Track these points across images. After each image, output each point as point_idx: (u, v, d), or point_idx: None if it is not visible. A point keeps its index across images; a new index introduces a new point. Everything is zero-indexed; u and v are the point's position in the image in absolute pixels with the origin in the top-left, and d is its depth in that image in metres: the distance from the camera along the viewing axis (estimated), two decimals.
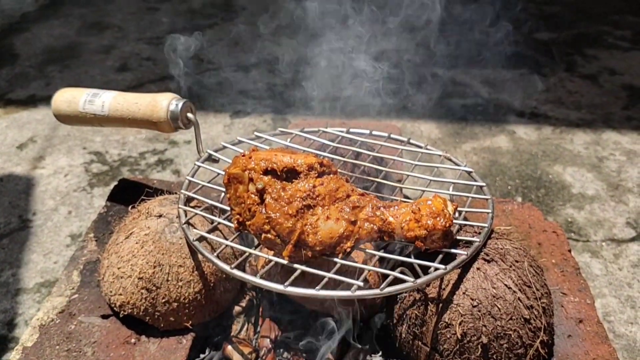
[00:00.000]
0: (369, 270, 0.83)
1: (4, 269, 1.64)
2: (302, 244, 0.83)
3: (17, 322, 1.48)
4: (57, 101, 1.17)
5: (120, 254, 0.98)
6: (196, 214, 0.97)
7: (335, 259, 0.84)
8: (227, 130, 2.31)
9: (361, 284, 0.78)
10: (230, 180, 0.88)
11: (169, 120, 1.08)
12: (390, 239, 0.85)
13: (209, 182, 1.05)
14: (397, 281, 0.80)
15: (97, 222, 1.22)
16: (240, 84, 2.57)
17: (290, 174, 0.86)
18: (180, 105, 1.08)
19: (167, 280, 0.95)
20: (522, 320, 0.85)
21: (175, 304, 0.95)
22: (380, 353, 0.97)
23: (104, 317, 1.00)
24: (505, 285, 0.86)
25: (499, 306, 0.85)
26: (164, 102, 1.08)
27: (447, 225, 0.82)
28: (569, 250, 1.14)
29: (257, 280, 0.82)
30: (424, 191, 1.03)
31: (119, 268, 0.97)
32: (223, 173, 0.91)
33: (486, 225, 0.91)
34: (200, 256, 0.96)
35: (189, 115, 1.09)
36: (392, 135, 1.18)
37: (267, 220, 0.83)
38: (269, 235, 0.83)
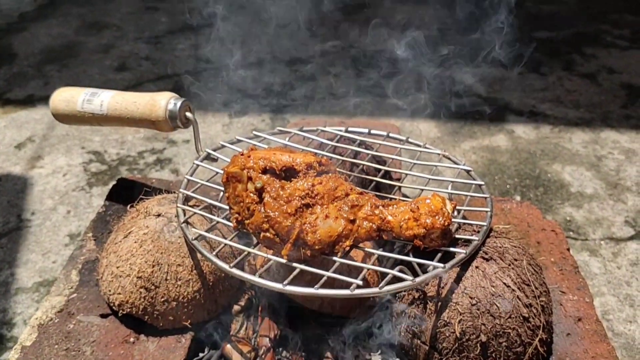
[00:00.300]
0: (368, 269, 0.83)
1: (2, 268, 1.64)
2: (301, 243, 0.83)
3: (15, 322, 1.48)
4: (56, 100, 1.17)
5: (119, 253, 0.98)
6: (195, 213, 0.97)
7: (334, 258, 0.83)
8: (226, 130, 2.31)
9: (360, 282, 0.78)
10: (229, 179, 0.88)
11: (168, 119, 1.08)
12: (389, 237, 0.85)
13: (207, 181, 1.05)
14: (396, 280, 0.80)
15: (95, 221, 1.22)
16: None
17: (289, 173, 0.86)
18: (178, 104, 1.08)
19: (166, 280, 0.95)
20: (521, 318, 0.85)
21: (174, 303, 0.95)
22: (379, 352, 0.97)
23: (103, 316, 1.00)
24: (504, 283, 0.86)
25: (498, 304, 0.85)
26: (163, 102, 1.08)
27: (446, 223, 0.82)
28: (568, 249, 1.14)
29: (256, 279, 0.82)
30: (422, 190, 1.03)
31: (117, 267, 0.97)
32: (222, 172, 0.91)
33: (485, 223, 0.91)
34: (199, 255, 0.96)
35: (188, 114, 1.09)
36: (390, 134, 1.18)
37: (266, 219, 0.83)
38: (267, 234, 0.83)
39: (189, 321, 0.97)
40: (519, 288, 0.86)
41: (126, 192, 1.27)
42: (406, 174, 1.09)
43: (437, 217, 0.82)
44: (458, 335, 0.85)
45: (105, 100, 1.12)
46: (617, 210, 1.86)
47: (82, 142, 2.23)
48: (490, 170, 2.05)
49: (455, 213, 0.93)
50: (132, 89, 2.55)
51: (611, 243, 1.73)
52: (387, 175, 1.12)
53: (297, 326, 1.02)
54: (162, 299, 0.95)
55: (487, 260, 0.89)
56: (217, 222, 0.96)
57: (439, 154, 1.12)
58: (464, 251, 0.85)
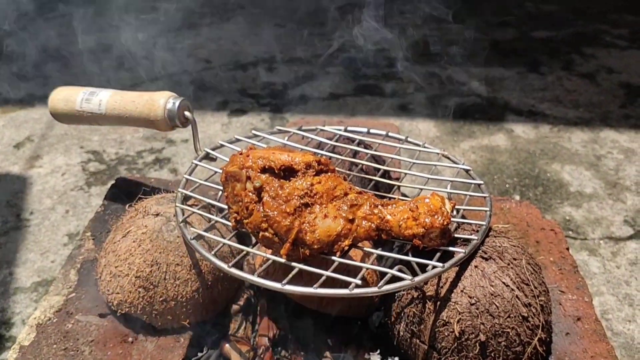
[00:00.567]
0: (367, 269, 0.83)
1: (1, 267, 1.63)
2: (299, 242, 0.82)
3: (14, 321, 1.48)
4: (54, 100, 1.16)
5: (118, 253, 0.98)
6: (193, 212, 0.97)
7: (333, 258, 0.83)
8: (225, 129, 2.31)
9: (359, 282, 0.78)
10: (228, 179, 0.88)
11: (167, 118, 1.08)
12: (388, 237, 0.84)
13: (206, 181, 1.05)
14: (395, 279, 0.79)
15: (94, 220, 1.22)
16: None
17: (287, 172, 0.86)
18: (177, 103, 1.07)
19: (165, 279, 0.95)
20: (520, 318, 0.85)
21: (173, 302, 0.95)
22: (378, 351, 0.97)
23: (102, 315, 1.00)
24: (503, 283, 0.86)
25: (497, 304, 0.84)
26: (161, 101, 1.08)
27: (445, 223, 0.82)
28: (567, 248, 1.14)
29: (255, 278, 0.81)
30: (422, 189, 1.03)
31: (116, 267, 0.97)
32: (220, 171, 0.90)
33: (484, 223, 0.91)
34: (197, 255, 0.96)
35: (187, 113, 1.09)
36: (390, 134, 1.17)
37: (264, 219, 0.83)
38: (266, 234, 0.83)
39: (188, 321, 0.97)
40: (518, 287, 0.86)
41: (125, 192, 1.27)
42: (405, 174, 1.09)
43: (436, 217, 0.82)
44: (457, 334, 0.84)
45: (104, 99, 1.12)
46: (616, 210, 1.86)
47: (81, 142, 2.23)
48: (490, 170, 2.05)
49: (455, 212, 0.93)
50: (131, 88, 2.55)
51: (610, 242, 1.73)
52: (386, 174, 1.12)
53: (296, 326, 1.02)
54: (161, 299, 0.95)
55: (486, 259, 0.89)
56: (216, 221, 0.96)
57: (438, 154, 1.12)
58: (463, 250, 0.85)
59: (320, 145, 1.15)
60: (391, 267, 0.80)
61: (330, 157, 1.09)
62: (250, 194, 0.84)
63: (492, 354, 0.85)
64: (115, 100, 1.11)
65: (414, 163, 1.09)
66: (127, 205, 1.10)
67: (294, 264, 0.83)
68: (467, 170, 1.07)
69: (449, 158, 1.10)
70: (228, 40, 3.00)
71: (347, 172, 1.08)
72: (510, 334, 0.84)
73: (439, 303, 0.87)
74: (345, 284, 0.78)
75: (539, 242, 1.15)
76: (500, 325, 0.84)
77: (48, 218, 1.82)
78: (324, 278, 0.79)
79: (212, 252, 0.88)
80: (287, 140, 1.14)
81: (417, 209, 0.83)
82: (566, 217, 1.82)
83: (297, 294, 0.81)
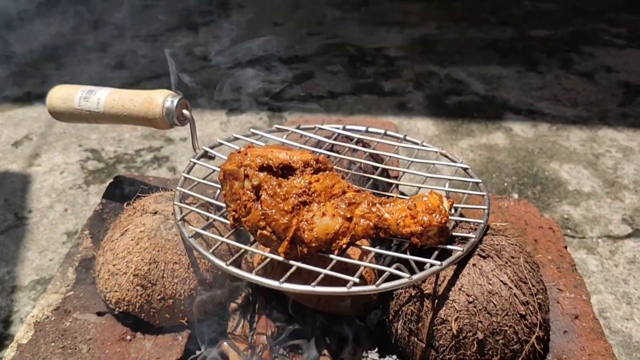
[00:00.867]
0: (365, 267, 0.83)
1: None
2: (297, 241, 0.82)
3: (12, 320, 1.47)
4: (52, 98, 1.16)
5: (116, 251, 0.98)
6: (192, 210, 0.97)
7: (331, 256, 0.83)
8: (223, 128, 2.30)
9: (357, 280, 0.78)
10: (226, 177, 0.88)
11: (165, 117, 1.08)
12: (386, 235, 0.84)
13: (204, 179, 1.05)
14: (392, 277, 0.80)
15: (92, 219, 1.22)
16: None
17: (286, 171, 0.86)
18: (175, 101, 1.07)
19: (163, 277, 0.95)
20: (518, 316, 0.85)
21: (171, 300, 0.95)
22: (376, 349, 0.97)
23: (100, 314, 1.00)
24: (501, 281, 0.86)
25: (495, 302, 0.85)
26: (160, 99, 1.08)
27: (443, 221, 0.82)
28: (565, 247, 1.14)
29: (253, 276, 0.82)
30: (420, 188, 1.03)
31: (114, 265, 0.97)
32: (219, 170, 0.91)
33: (482, 221, 0.91)
34: (195, 253, 0.96)
35: (185, 111, 1.09)
36: (388, 132, 1.18)
37: (262, 217, 0.83)
38: (264, 232, 0.83)
39: (186, 319, 0.97)
40: (515, 285, 0.86)
41: (123, 190, 1.27)
42: (404, 172, 1.09)
43: (434, 215, 0.82)
44: (455, 332, 0.85)
45: (102, 97, 1.12)
46: (615, 208, 1.86)
47: (80, 140, 2.22)
48: (488, 169, 2.05)
49: (453, 211, 0.93)
50: (129, 87, 2.55)
51: (608, 241, 1.73)
52: (384, 173, 1.12)
53: (294, 324, 1.02)
54: (159, 297, 0.95)
55: (484, 257, 0.89)
56: (214, 219, 0.96)
57: (436, 152, 1.12)
58: (461, 249, 0.85)
59: (318, 144, 1.15)
60: (389, 266, 0.81)
61: (329, 156, 1.09)
62: (248, 192, 0.84)
63: (490, 352, 0.85)
64: (113, 99, 1.11)
65: (412, 161, 1.10)
66: (125, 204, 1.10)
67: (292, 262, 0.83)
68: (465, 169, 1.08)
69: (447, 156, 1.11)
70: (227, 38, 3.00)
71: (346, 170, 1.08)
72: (508, 332, 0.85)
73: (436, 301, 0.87)
74: (343, 282, 0.78)
75: (537, 241, 1.15)
76: (498, 323, 0.84)
77: (46, 216, 1.82)
78: (322, 276, 0.79)
79: (210, 251, 0.88)
80: (286, 139, 1.14)
81: (415, 207, 0.83)
82: (564, 216, 1.82)
83: (295, 292, 0.81)
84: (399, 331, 0.92)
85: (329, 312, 0.99)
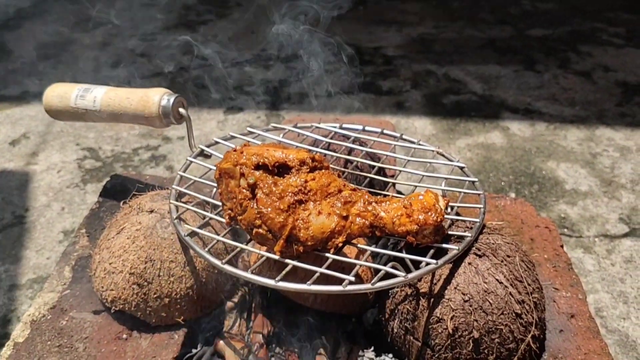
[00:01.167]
0: (361, 265, 0.83)
1: None
2: (293, 239, 0.82)
3: (9, 318, 1.47)
4: (49, 96, 1.16)
5: (112, 250, 0.97)
6: (188, 209, 0.97)
7: (327, 254, 0.83)
8: (220, 126, 2.30)
9: (353, 279, 0.78)
10: (222, 175, 0.88)
11: (161, 115, 1.08)
12: (382, 234, 0.84)
13: (201, 178, 1.04)
14: (388, 276, 0.79)
15: (89, 217, 1.22)
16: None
17: (282, 169, 0.86)
18: (172, 100, 1.07)
19: (159, 276, 0.95)
20: (514, 315, 0.85)
21: (167, 299, 0.95)
22: (372, 348, 0.97)
23: (96, 312, 1.00)
24: (497, 280, 0.86)
25: (491, 301, 0.85)
26: (156, 97, 1.07)
27: (439, 220, 0.82)
28: (562, 246, 1.14)
29: (249, 275, 0.81)
30: (416, 186, 1.03)
31: (110, 263, 0.96)
32: (215, 168, 0.90)
33: (478, 220, 0.91)
34: (191, 251, 0.96)
35: (181, 110, 1.09)
36: (385, 131, 1.17)
37: (258, 215, 0.83)
38: (260, 230, 0.83)
39: (182, 318, 0.97)
40: (511, 284, 0.86)
41: (120, 189, 1.27)
42: (400, 171, 1.09)
43: (429, 214, 0.82)
44: (451, 331, 0.85)
45: (99, 96, 1.12)
46: (612, 208, 1.86)
47: (77, 139, 2.22)
48: (485, 168, 2.06)
49: (449, 209, 0.93)
50: (127, 86, 2.55)
51: (605, 240, 1.73)
52: (381, 171, 1.12)
53: (290, 323, 1.02)
54: (155, 296, 0.95)
55: (480, 256, 0.89)
56: (210, 218, 0.96)
57: (433, 151, 1.12)
58: (457, 247, 0.85)
59: (315, 143, 1.15)
60: (385, 264, 0.81)
61: (325, 155, 1.09)
62: (244, 190, 0.84)
63: (486, 351, 0.85)
64: (109, 97, 1.11)
65: (408, 160, 1.10)
66: (122, 202, 1.10)
67: (287, 260, 0.83)
68: (461, 168, 1.08)
69: (443, 155, 1.11)
70: (224, 37, 3.00)
71: (342, 169, 1.08)
72: (504, 331, 0.85)
73: (432, 300, 0.87)
74: (339, 281, 0.78)
75: (534, 240, 1.16)
76: (494, 322, 0.84)
77: (43, 215, 1.82)
78: (317, 275, 0.79)
79: (206, 249, 0.88)
80: (283, 138, 1.14)
81: (410, 205, 0.83)
82: (561, 215, 1.83)
83: (291, 290, 0.81)
84: (395, 330, 0.92)
85: (325, 310, 0.99)
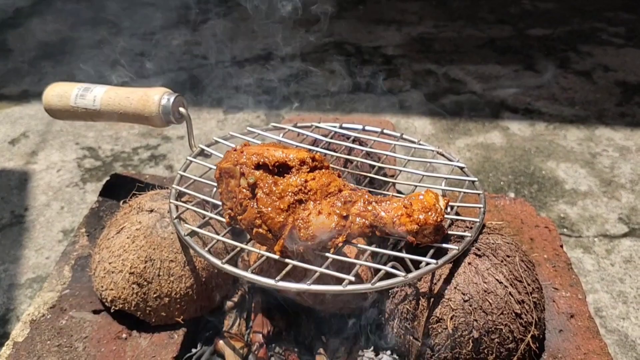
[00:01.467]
0: (361, 265, 0.83)
1: None
2: (293, 239, 0.82)
3: (9, 318, 1.47)
4: (49, 95, 1.16)
5: (112, 249, 0.97)
6: (188, 208, 0.97)
7: (327, 254, 0.83)
8: (220, 126, 2.30)
9: (352, 278, 0.78)
10: (222, 175, 0.88)
11: (161, 114, 1.08)
12: (382, 233, 0.84)
13: (201, 177, 1.04)
14: (388, 276, 0.79)
15: (89, 217, 1.21)
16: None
17: (282, 169, 0.86)
18: (172, 99, 1.07)
19: (159, 275, 0.94)
20: (514, 314, 0.86)
21: (167, 299, 0.95)
22: (372, 348, 0.97)
23: (95, 312, 1.00)
24: (497, 280, 0.86)
25: (490, 301, 0.85)
26: (156, 97, 1.07)
27: (439, 219, 0.82)
28: (561, 246, 1.14)
29: (249, 275, 0.81)
30: (416, 186, 1.03)
31: (110, 263, 0.96)
32: (215, 168, 0.90)
33: (478, 220, 0.91)
34: (191, 251, 0.96)
35: (181, 109, 1.09)
36: (385, 131, 1.17)
37: (258, 215, 0.82)
38: (260, 230, 0.83)
39: (182, 317, 0.97)
40: (511, 284, 0.87)
41: (120, 188, 1.27)
42: (400, 171, 1.09)
43: (429, 213, 0.82)
44: (450, 331, 0.85)
45: (99, 95, 1.12)
46: (611, 208, 1.86)
47: (77, 138, 2.22)
48: (485, 168, 2.06)
49: (448, 209, 0.93)
50: (126, 85, 2.55)
51: (605, 240, 1.73)
52: (381, 171, 1.12)
53: (290, 322, 1.02)
54: (155, 295, 0.95)
55: (480, 256, 0.89)
56: (210, 217, 0.96)
57: (433, 151, 1.12)
58: (457, 247, 0.85)
59: (315, 142, 1.15)
60: (385, 264, 0.81)
61: (325, 154, 1.09)
62: (244, 190, 0.84)
63: (485, 351, 0.85)
64: (109, 96, 1.11)
65: (408, 160, 1.10)
66: (122, 202, 1.10)
67: (287, 260, 0.83)
68: (461, 168, 1.08)
69: (443, 155, 1.11)
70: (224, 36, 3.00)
71: (342, 169, 1.08)
72: (504, 330, 0.85)
73: (432, 300, 0.87)
74: (339, 281, 0.78)
75: (533, 240, 1.16)
76: (494, 322, 0.84)
77: (43, 214, 1.82)
78: (317, 274, 0.79)
79: (206, 249, 0.88)
80: (282, 137, 1.14)
81: (410, 205, 0.83)
82: (561, 215, 1.83)
83: (291, 290, 0.81)
84: (395, 330, 0.92)
85: (325, 310, 0.99)
